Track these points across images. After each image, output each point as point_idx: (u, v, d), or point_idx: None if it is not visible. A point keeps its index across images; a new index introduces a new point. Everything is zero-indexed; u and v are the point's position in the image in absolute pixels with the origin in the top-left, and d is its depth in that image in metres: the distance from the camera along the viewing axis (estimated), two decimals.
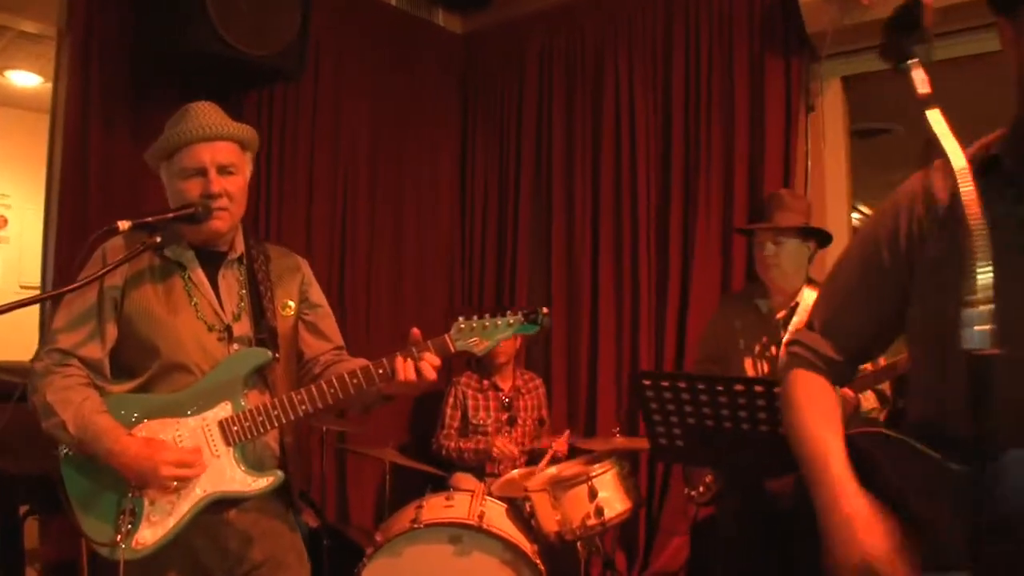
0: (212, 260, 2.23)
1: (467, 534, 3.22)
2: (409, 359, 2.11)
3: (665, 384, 2.48)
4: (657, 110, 4.63)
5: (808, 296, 3.23)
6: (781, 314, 3.28)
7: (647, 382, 2.51)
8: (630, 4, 4.73)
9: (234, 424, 2.10)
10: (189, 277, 2.17)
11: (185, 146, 2.11)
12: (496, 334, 2.20)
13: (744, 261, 4.23)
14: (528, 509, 3.48)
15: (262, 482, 2.12)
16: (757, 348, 3.31)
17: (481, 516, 3.27)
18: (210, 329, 2.15)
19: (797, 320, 3.22)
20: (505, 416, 4.37)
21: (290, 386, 2.24)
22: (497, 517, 3.36)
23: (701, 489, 3.34)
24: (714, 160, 4.39)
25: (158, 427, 2.08)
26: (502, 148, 5.27)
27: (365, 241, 4.83)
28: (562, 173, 4.97)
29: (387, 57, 4.92)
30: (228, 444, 2.10)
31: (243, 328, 2.19)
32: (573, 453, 4.21)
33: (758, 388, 2.41)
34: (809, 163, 4.18)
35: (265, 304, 2.25)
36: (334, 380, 2.11)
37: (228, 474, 2.09)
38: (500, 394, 4.39)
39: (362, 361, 2.28)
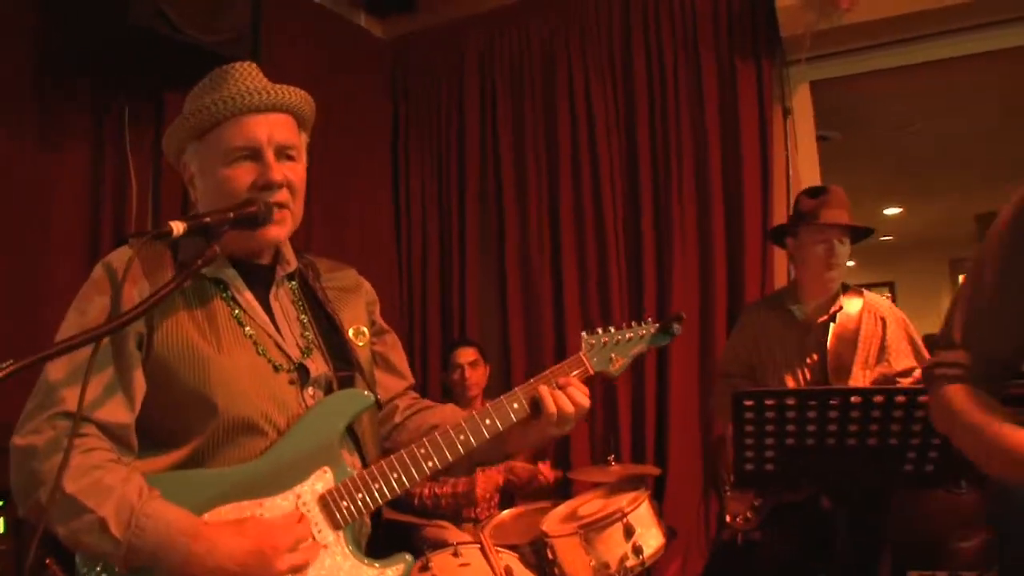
0: (257, 277, 1.66)
1: None
2: (552, 391, 1.67)
3: (770, 403, 2.34)
4: (619, 117, 4.37)
5: (851, 304, 3.07)
6: (822, 318, 3.09)
7: (749, 403, 2.36)
8: (581, 3, 4.45)
9: (341, 497, 1.54)
10: (234, 300, 1.60)
11: (231, 118, 1.55)
12: (632, 348, 1.88)
13: (725, 274, 4.04)
14: (550, 556, 3.07)
15: (390, 573, 1.56)
16: (794, 356, 3.13)
17: (509, 572, 2.82)
18: (277, 370, 1.58)
19: (836, 326, 3.05)
20: None
21: (378, 441, 1.75)
22: (523, 571, 2.91)
23: (749, 515, 3.07)
24: (685, 168, 4.18)
25: (230, 516, 1.46)
26: (440, 160, 4.83)
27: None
28: (513, 189, 4.59)
29: (319, 59, 4.38)
30: (337, 527, 1.53)
31: (318, 366, 1.64)
32: (564, 486, 3.87)
33: (877, 399, 2.29)
34: (791, 169, 4.04)
35: (339, 331, 1.71)
36: (463, 424, 1.64)
37: (346, 570, 1.52)
38: None
39: (454, 409, 1.86)
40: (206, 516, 1.43)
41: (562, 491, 3.87)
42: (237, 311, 1.58)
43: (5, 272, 2.91)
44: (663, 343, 1.95)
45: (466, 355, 3.92)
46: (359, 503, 1.54)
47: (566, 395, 1.66)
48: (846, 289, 3.11)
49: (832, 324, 3.05)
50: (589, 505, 3.25)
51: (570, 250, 4.39)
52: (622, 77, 4.35)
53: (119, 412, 1.45)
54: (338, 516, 1.52)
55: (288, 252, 1.73)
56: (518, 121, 4.60)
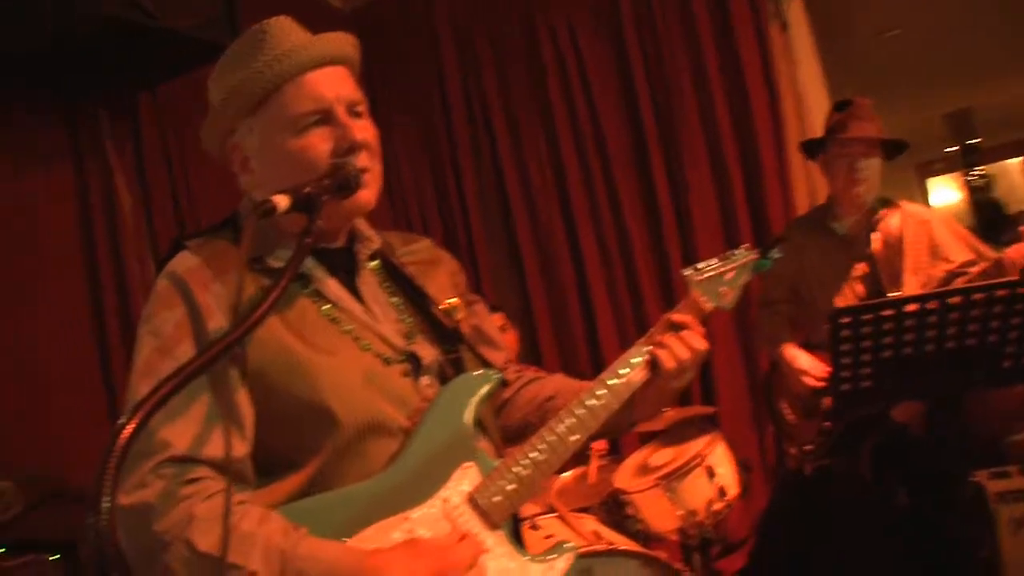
0: (335, 263, 1.44)
1: (598, 562, 2.60)
2: (666, 339, 1.51)
3: (867, 317, 2.24)
4: (609, 56, 4.20)
5: (891, 215, 2.99)
6: (864, 230, 3.01)
7: (846, 319, 2.21)
8: None
9: (492, 493, 1.35)
10: (319, 294, 1.38)
11: (290, 79, 1.34)
12: (740, 278, 1.72)
13: (745, 202, 3.92)
14: (630, 512, 2.95)
15: (561, 564, 1.38)
16: (841, 271, 3.04)
17: (598, 535, 2.68)
18: (387, 363, 1.38)
19: (877, 237, 2.96)
20: None
21: (495, 422, 1.56)
22: (611, 534, 2.78)
23: (816, 442, 2.98)
24: (688, 100, 4.03)
25: (379, 539, 1.26)
26: (426, 135, 4.60)
27: None
28: (510, 150, 4.39)
29: None
30: (494, 526, 1.35)
31: (426, 351, 1.44)
32: (615, 446, 3.75)
33: (977, 296, 2.16)
34: (798, 85, 3.91)
35: (434, 309, 1.51)
36: (595, 389, 1.47)
37: (514, 571, 1.34)
38: None
39: (564, 377, 1.70)
40: (349, 543, 1.24)
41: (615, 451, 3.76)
42: (325, 307, 1.37)
43: None
44: (764, 270, 1.81)
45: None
46: (512, 496, 1.36)
47: (681, 340, 1.51)
48: (884, 204, 3.04)
49: (875, 234, 2.98)
50: (659, 455, 3.13)
51: (581, 204, 4.23)
52: (608, 12, 4.17)
53: (233, 445, 1.23)
54: (493, 515, 1.34)
55: (367, 228, 1.51)
56: (503, 82, 4.40)
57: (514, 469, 1.37)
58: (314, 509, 1.24)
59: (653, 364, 1.51)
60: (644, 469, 3.11)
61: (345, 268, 1.44)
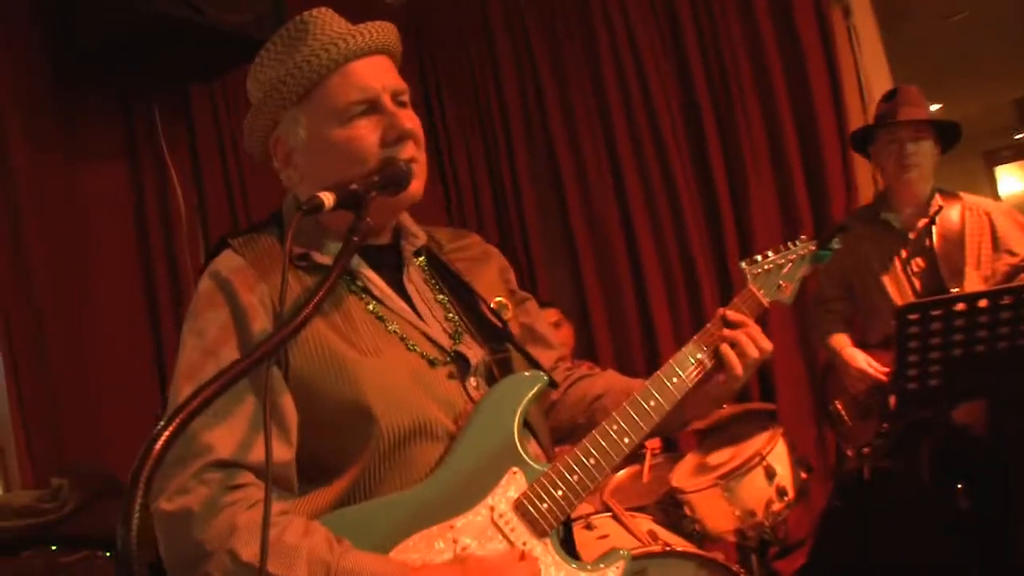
0: (381, 260, 1.40)
1: (653, 564, 2.53)
2: (736, 336, 1.46)
3: (936, 313, 2.14)
4: (665, 45, 4.10)
5: (950, 206, 2.88)
6: (922, 222, 2.91)
7: (914, 316, 2.11)
8: None
9: (540, 499, 1.29)
10: (367, 292, 1.35)
11: (336, 69, 1.31)
12: (798, 271, 1.69)
13: (806, 193, 3.79)
14: (687, 512, 2.87)
15: (612, 574, 1.33)
16: (898, 266, 2.94)
17: (654, 535, 2.61)
18: (433, 364, 1.33)
19: (939, 227, 2.87)
20: None
21: (545, 423, 1.51)
22: (667, 534, 2.71)
23: (875, 444, 2.87)
24: (746, 86, 3.92)
25: (423, 549, 1.21)
26: (482, 120, 4.53)
27: None
28: (564, 137, 4.32)
29: None
30: (542, 534, 1.29)
31: (473, 351, 1.40)
32: (671, 443, 3.69)
33: None
34: (861, 73, 3.77)
35: (482, 307, 1.46)
36: (649, 388, 1.42)
37: None
38: None
39: (615, 374, 1.65)
40: (392, 554, 1.19)
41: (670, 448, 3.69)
42: (372, 304, 1.33)
43: (51, 293, 2.69)
44: (824, 261, 1.75)
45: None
46: (561, 502, 1.30)
47: (751, 339, 1.45)
48: (942, 193, 2.92)
49: (934, 226, 2.86)
50: (717, 454, 3.05)
51: (636, 192, 4.14)
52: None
53: (277, 449, 1.19)
54: (542, 522, 1.28)
55: (412, 224, 1.47)
56: (558, 66, 4.32)
57: (564, 474, 1.32)
58: (356, 518, 1.21)
59: (716, 362, 1.46)
60: (702, 468, 3.03)
61: (391, 265, 1.41)
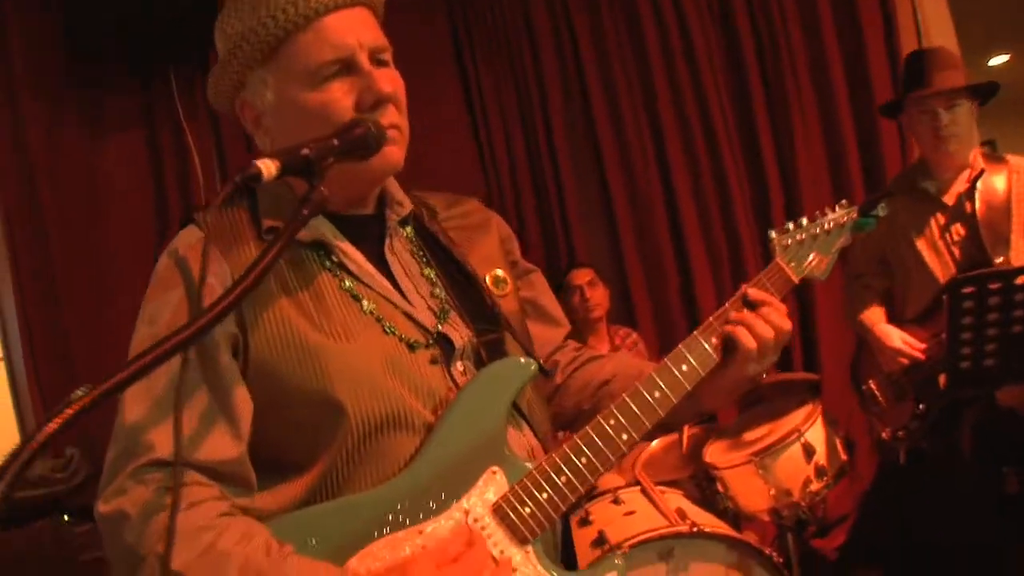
0: (363, 231, 1.28)
1: (679, 544, 2.44)
2: (744, 317, 1.31)
3: (995, 286, 1.98)
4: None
5: (993, 170, 2.68)
6: (962, 186, 2.72)
7: (969, 289, 1.92)
8: None
9: (521, 503, 1.16)
10: (342, 267, 1.22)
11: (305, 24, 1.17)
12: (835, 242, 1.51)
13: (858, 158, 3.59)
14: (720, 489, 2.76)
15: None
16: (935, 234, 2.76)
17: (682, 514, 2.51)
18: (413, 348, 1.20)
19: (981, 193, 2.67)
20: None
21: (546, 408, 1.39)
22: (697, 513, 2.60)
23: (911, 427, 2.71)
24: (795, 43, 3.72)
25: (387, 556, 1.09)
26: (517, 87, 4.31)
27: None
28: (603, 100, 4.12)
29: None
30: (523, 541, 1.16)
31: (460, 332, 1.26)
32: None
33: None
34: (920, 24, 3.52)
35: (474, 281, 1.33)
36: (655, 377, 1.27)
37: None
38: None
39: (626, 357, 1.52)
40: (353, 561, 1.07)
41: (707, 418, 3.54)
42: (348, 282, 1.21)
43: (69, 266, 2.67)
44: (867, 230, 1.58)
45: (582, 276, 3.66)
46: (545, 506, 1.17)
47: (762, 318, 1.30)
48: (985, 156, 2.74)
49: (976, 191, 2.66)
50: (754, 430, 2.91)
51: (677, 155, 3.97)
52: None
53: (224, 446, 1.10)
54: (523, 528, 1.16)
55: (397, 191, 1.34)
56: (596, 26, 4.12)
57: (550, 475, 1.18)
58: (315, 520, 1.10)
59: (727, 346, 1.31)
60: (736, 443, 2.91)
61: (373, 237, 1.29)
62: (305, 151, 1.06)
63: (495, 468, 1.17)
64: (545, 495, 1.17)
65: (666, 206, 4.01)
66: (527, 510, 1.16)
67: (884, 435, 2.86)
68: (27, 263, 2.54)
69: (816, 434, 2.69)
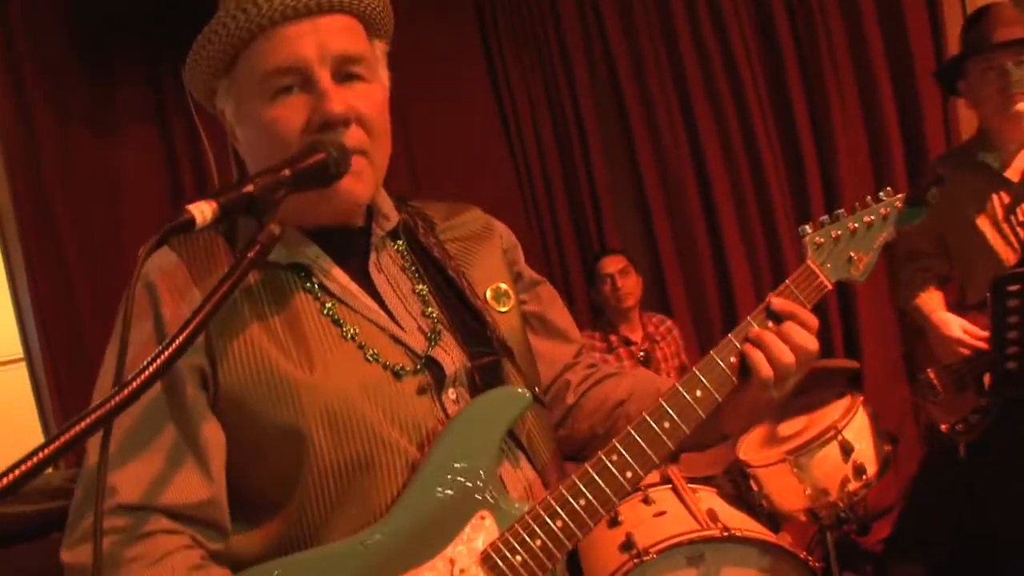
0: (350, 246, 1.18)
1: (710, 548, 2.35)
2: (763, 337, 1.17)
3: None
4: None
5: None
6: None
7: (1014, 287, 1.77)
8: None
9: (512, 551, 1.06)
10: (323, 289, 1.13)
11: (260, 32, 1.07)
12: (877, 237, 1.34)
13: (898, 134, 3.42)
14: (755, 487, 2.67)
15: None
16: (999, 214, 2.54)
17: (714, 516, 2.42)
18: (398, 376, 1.10)
19: None
20: None
21: (549, 435, 1.27)
22: (730, 514, 2.50)
23: (971, 420, 2.55)
24: (830, 12, 3.52)
25: None
26: (544, 70, 4.12)
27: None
28: (633, 83, 3.96)
29: None
30: None
31: (451, 355, 1.16)
32: None
33: None
34: None
35: (468, 298, 1.22)
36: (664, 405, 1.14)
37: None
38: (633, 348, 3.52)
39: (644, 374, 1.40)
40: None
41: None
42: (329, 304, 1.11)
43: (82, 258, 2.65)
44: (915, 221, 1.41)
45: (613, 263, 3.55)
46: (539, 554, 1.07)
47: (783, 337, 1.17)
48: None
49: None
50: (790, 423, 2.81)
51: (711, 138, 3.82)
52: None
53: (193, 487, 1.02)
54: None
55: (384, 201, 1.23)
56: (624, 6, 3.96)
57: (544, 519, 1.08)
58: (294, 571, 1.02)
59: (745, 366, 1.18)
60: (772, 439, 2.80)
61: (360, 252, 1.19)
62: (249, 187, 0.95)
63: (484, 513, 1.08)
64: (539, 542, 1.07)
65: (699, 189, 3.87)
66: (518, 559, 1.06)
67: (943, 427, 2.70)
68: (40, 261, 2.54)
69: (855, 430, 2.58)
